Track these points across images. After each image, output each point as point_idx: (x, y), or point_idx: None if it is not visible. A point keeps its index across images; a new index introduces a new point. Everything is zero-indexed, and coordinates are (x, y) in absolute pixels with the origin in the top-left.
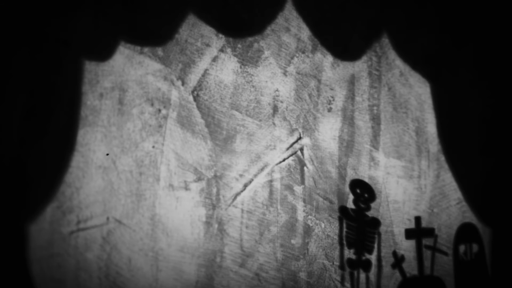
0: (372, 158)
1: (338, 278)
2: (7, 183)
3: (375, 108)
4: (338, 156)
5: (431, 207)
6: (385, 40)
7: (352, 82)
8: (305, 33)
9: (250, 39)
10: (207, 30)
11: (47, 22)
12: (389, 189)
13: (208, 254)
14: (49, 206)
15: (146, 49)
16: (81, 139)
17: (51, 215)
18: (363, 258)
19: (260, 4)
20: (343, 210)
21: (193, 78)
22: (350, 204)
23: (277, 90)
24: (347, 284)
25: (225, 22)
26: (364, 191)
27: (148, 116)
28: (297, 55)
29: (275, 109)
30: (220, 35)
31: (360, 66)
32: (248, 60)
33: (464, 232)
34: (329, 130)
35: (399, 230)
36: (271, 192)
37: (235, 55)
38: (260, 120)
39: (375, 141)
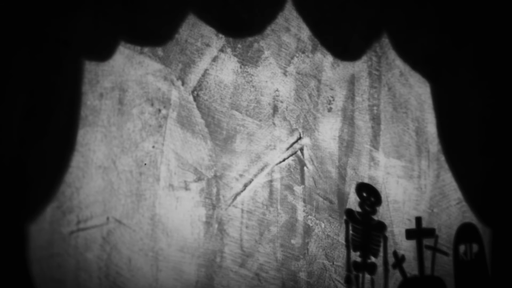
0: (372, 158)
1: (338, 278)
2: (7, 183)
3: (375, 108)
4: (338, 156)
5: (431, 207)
6: (385, 40)
7: (352, 82)
8: (305, 33)
9: (250, 39)
10: (207, 30)
11: (47, 22)
12: (389, 189)
13: (208, 254)
14: (49, 206)
15: (146, 49)
16: (81, 139)
17: (51, 215)
18: (369, 261)
19: (260, 4)
20: (349, 213)
21: (193, 78)
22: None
23: (277, 90)
24: (353, 287)
25: (225, 22)
26: (370, 195)
27: (148, 116)
28: (297, 55)
29: (275, 109)
30: (220, 35)
31: (360, 66)
32: (248, 60)
33: (464, 232)
34: (329, 130)
35: (399, 230)
36: (271, 192)
37: (235, 55)
38: (260, 120)
39: (375, 141)
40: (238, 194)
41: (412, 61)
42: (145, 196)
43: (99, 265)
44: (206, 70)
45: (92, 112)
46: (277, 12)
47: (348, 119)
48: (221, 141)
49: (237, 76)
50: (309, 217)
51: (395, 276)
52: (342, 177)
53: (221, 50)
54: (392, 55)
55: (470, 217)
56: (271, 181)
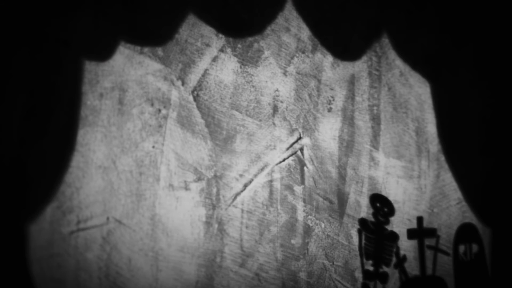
0: (372, 158)
1: (338, 278)
2: (7, 183)
3: (375, 108)
4: (338, 156)
5: (431, 207)
6: (385, 40)
7: (352, 82)
8: (305, 33)
9: (250, 39)
10: (207, 30)
11: (47, 22)
12: (389, 189)
13: (208, 254)
14: (49, 206)
15: (146, 49)
16: (81, 139)
17: (51, 215)
18: (381, 270)
19: (260, 4)
20: (363, 222)
21: (193, 78)
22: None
23: (277, 90)
24: None
25: (225, 22)
26: (383, 205)
27: (148, 116)
28: (297, 55)
29: (275, 109)
30: (220, 35)
31: (360, 66)
32: (248, 60)
33: (464, 232)
34: (329, 130)
35: (399, 230)
36: (271, 192)
37: (235, 55)
38: (260, 120)
39: (375, 141)
40: (238, 194)
41: (412, 61)
42: (145, 196)
43: (99, 265)
44: (206, 70)
45: (92, 112)
46: (277, 12)
47: (348, 119)
48: (221, 141)
49: (237, 76)
50: (309, 217)
51: (395, 276)
52: (342, 177)
53: (221, 50)
54: (392, 55)
55: (470, 217)
56: (271, 181)
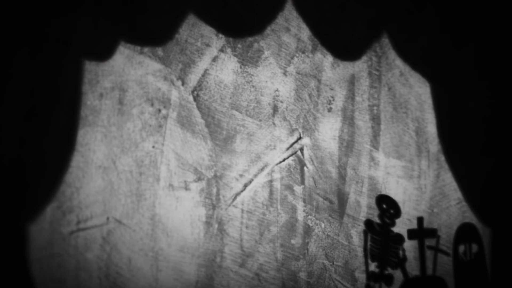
0: (372, 158)
1: (338, 278)
2: (7, 183)
3: (375, 108)
4: (338, 156)
5: (431, 207)
6: (385, 40)
7: (352, 82)
8: (305, 33)
9: (250, 39)
10: (207, 30)
11: (47, 22)
12: (389, 189)
13: (208, 254)
14: (49, 206)
15: (146, 49)
16: (81, 139)
17: (51, 215)
18: (386, 272)
19: (260, 4)
20: (368, 224)
21: (193, 78)
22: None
23: (277, 90)
24: None
25: (225, 22)
26: (390, 207)
27: (148, 116)
28: (297, 55)
29: (275, 109)
30: (220, 35)
31: (360, 66)
32: (248, 60)
33: (464, 232)
34: (329, 130)
35: (399, 230)
36: (271, 192)
37: (235, 55)
38: (260, 120)
39: (375, 141)
40: (238, 194)
41: (412, 61)
42: (145, 196)
43: (99, 265)
44: (206, 70)
45: (92, 112)
46: (277, 12)
47: (348, 119)
48: (221, 141)
49: (237, 76)
50: (309, 217)
51: (395, 276)
52: (342, 177)
53: (221, 50)
54: (392, 55)
55: (470, 217)
56: (271, 181)
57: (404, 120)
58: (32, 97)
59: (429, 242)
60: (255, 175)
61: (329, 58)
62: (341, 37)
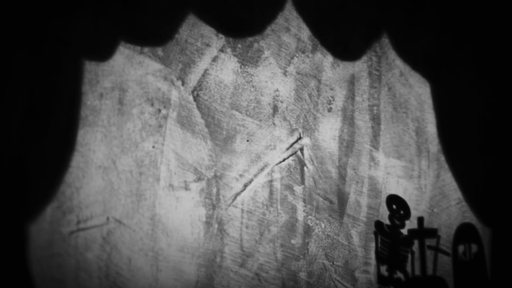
0: (372, 158)
1: (338, 278)
2: (7, 183)
3: (375, 108)
4: (338, 156)
5: (431, 207)
6: (385, 40)
7: (352, 82)
8: (305, 33)
9: (250, 39)
10: (207, 30)
11: (47, 22)
12: (389, 189)
13: (208, 254)
14: (49, 206)
15: (146, 49)
16: (81, 139)
17: (51, 215)
18: (395, 276)
19: (260, 4)
20: (378, 225)
21: (193, 78)
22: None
23: (277, 90)
24: None
25: (225, 22)
26: (400, 208)
27: (148, 116)
28: (297, 55)
29: (275, 109)
30: (220, 35)
31: (360, 66)
32: (248, 60)
33: (463, 232)
34: (329, 130)
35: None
36: (271, 192)
37: (235, 55)
38: (260, 120)
39: (375, 141)
40: (238, 194)
41: (412, 61)
42: (145, 196)
43: (99, 265)
44: (206, 70)
45: (92, 112)
46: (277, 12)
47: (348, 119)
48: (221, 141)
49: (237, 76)
50: (309, 217)
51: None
52: (342, 177)
53: (221, 50)
54: (392, 55)
55: (470, 217)
56: (271, 181)
57: (404, 120)
58: (32, 97)
59: (429, 242)
60: (255, 175)
61: (329, 58)
62: (341, 37)
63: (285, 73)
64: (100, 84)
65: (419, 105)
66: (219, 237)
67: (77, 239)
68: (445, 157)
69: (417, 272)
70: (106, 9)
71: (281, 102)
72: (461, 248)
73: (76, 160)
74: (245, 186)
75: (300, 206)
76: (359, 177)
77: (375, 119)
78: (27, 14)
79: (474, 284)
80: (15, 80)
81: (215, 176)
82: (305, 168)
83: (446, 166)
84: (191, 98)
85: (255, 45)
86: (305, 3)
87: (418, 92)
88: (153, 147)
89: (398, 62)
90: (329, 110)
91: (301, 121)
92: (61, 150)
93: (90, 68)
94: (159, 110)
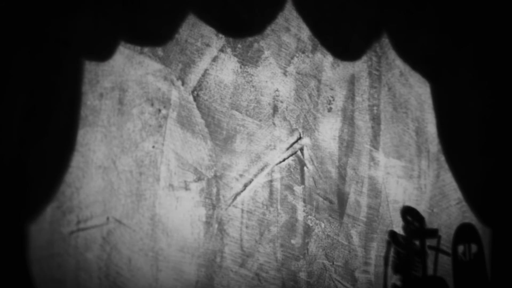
0: (372, 158)
1: (338, 278)
2: (7, 183)
3: (375, 108)
4: (338, 156)
5: (431, 207)
6: (385, 40)
7: (352, 82)
8: (305, 33)
9: (250, 39)
10: (207, 30)
11: (47, 22)
12: (389, 189)
13: (208, 254)
14: (49, 206)
15: (146, 49)
16: (81, 139)
17: (51, 215)
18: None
19: (260, 4)
20: (393, 235)
21: (193, 78)
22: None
23: (277, 90)
24: None
25: (225, 22)
26: (414, 219)
27: (148, 116)
28: (297, 55)
29: (275, 109)
30: (220, 35)
31: (360, 66)
32: (248, 60)
33: (463, 233)
34: (329, 130)
35: (399, 230)
36: (271, 192)
37: (235, 55)
38: (260, 120)
39: (375, 141)
40: (238, 194)
41: (412, 61)
42: (145, 196)
43: (99, 265)
44: (206, 70)
45: (92, 112)
46: (277, 12)
47: (348, 119)
48: (221, 141)
49: (237, 76)
50: (309, 217)
51: (395, 277)
52: (342, 177)
53: (221, 50)
54: (392, 55)
55: (470, 217)
56: (271, 181)
57: (404, 120)
58: (32, 97)
59: (429, 242)
60: (255, 175)
61: (329, 58)
62: (341, 37)
63: (285, 73)
64: (100, 84)
65: (419, 105)
66: (219, 237)
67: (77, 239)
68: (445, 157)
69: (417, 272)
70: (106, 9)
71: (281, 102)
72: (461, 248)
73: (76, 160)
74: (245, 186)
75: (300, 206)
76: (359, 177)
77: (375, 119)
78: (27, 14)
79: (474, 284)
80: (15, 80)
81: (215, 176)
82: (305, 168)
83: (446, 166)
84: (191, 98)
85: (255, 45)
86: (305, 3)
87: (418, 92)
88: (153, 147)
89: (398, 62)
90: (329, 110)
91: (301, 121)
92: (61, 150)
93: (90, 68)
94: (159, 110)
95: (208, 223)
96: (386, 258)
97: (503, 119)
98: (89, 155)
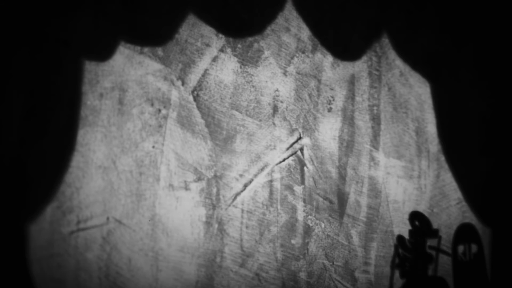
0: (372, 158)
1: (338, 278)
2: (7, 183)
3: (375, 108)
4: (338, 156)
5: (431, 207)
6: (385, 40)
7: (352, 82)
8: (305, 33)
9: (250, 39)
10: (207, 30)
11: (47, 22)
12: (389, 189)
13: (208, 254)
14: (49, 206)
15: (146, 49)
16: (81, 139)
17: (51, 215)
18: None
19: (260, 4)
20: (400, 239)
21: (193, 78)
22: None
23: (277, 90)
24: None
25: (225, 22)
26: (422, 225)
27: (148, 116)
28: (297, 55)
29: (275, 109)
30: (220, 35)
31: (360, 66)
32: (248, 60)
33: (463, 233)
34: (329, 130)
35: (399, 230)
36: (271, 192)
37: (235, 55)
38: (260, 120)
39: (375, 141)
40: (238, 194)
41: (412, 61)
42: (145, 196)
43: (99, 265)
44: (206, 70)
45: (92, 112)
46: (277, 12)
47: (348, 119)
48: (221, 141)
49: (237, 76)
50: (309, 217)
51: (396, 277)
52: (342, 177)
53: (221, 50)
54: (392, 55)
55: (470, 217)
56: (271, 181)
57: (404, 120)
58: (32, 97)
59: (429, 242)
60: (255, 175)
61: (329, 58)
62: (341, 37)
63: (285, 73)
64: (100, 84)
65: (419, 105)
66: (219, 237)
67: (77, 239)
68: (445, 157)
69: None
70: (106, 9)
71: (281, 102)
72: (461, 248)
73: (76, 160)
74: (245, 186)
75: (300, 206)
76: (359, 177)
77: (375, 119)
78: (27, 14)
79: (474, 284)
80: (15, 80)
81: (215, 176)
82: (305, 168)
83: (446, 166)
84: (191, 98)
85: (255, 45)
86: (305, 3)
87: (418, 92)
88: (153, 147)
89: (398, 62)
90: (329, 110)
91: (301, 121)
92: (61, 150)
93: (90, 68)
94: (159, 110)
95: (208, 223)
96: (393, 262)
97: (503, 119)
98: (89, 155)
